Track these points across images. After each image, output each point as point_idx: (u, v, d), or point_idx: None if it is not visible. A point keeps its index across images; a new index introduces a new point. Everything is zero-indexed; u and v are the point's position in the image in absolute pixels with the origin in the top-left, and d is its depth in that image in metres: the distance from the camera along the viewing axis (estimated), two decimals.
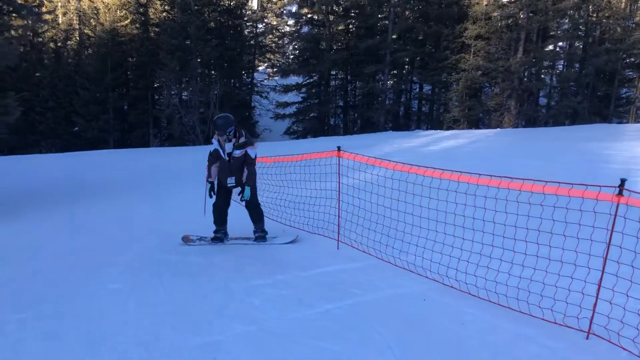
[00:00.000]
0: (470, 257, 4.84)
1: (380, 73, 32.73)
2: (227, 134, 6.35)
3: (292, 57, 41.36)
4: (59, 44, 44.58)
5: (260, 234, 6.80)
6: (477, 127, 29.42)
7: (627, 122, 25.61)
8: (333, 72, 36.81)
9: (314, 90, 36.45)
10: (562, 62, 28.72)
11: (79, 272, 5.69)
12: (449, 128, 29.46)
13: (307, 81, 36.84)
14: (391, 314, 4.19)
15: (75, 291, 5.06)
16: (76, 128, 40.26)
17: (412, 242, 5.50)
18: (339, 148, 5.75)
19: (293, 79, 38.88)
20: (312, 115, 35.70)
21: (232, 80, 37.48)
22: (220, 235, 6.82)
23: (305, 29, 36.26)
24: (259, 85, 39.75)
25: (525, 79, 27.67)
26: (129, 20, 38.51)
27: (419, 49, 30.18)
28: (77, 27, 44.40)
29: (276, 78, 41.16)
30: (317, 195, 7.19)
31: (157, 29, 38.84)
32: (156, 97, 40.63)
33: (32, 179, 17.89)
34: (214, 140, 6.54)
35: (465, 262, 4.84)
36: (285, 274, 5.16)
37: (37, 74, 42.39)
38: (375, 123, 34.01)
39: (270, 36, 41.61)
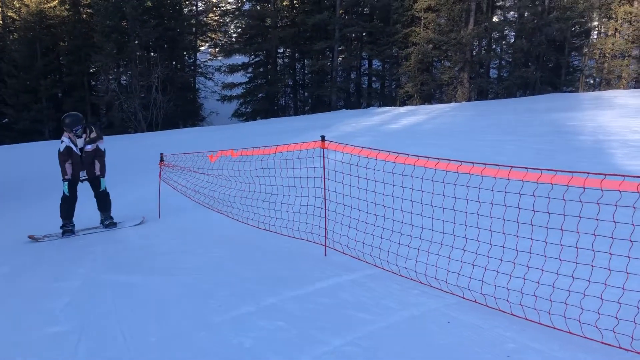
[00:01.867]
0: (489, 264, 4.00)
1: (329, 50, 31.66)
2: (75, 131, 6.72)
3: (234, 35, 39.70)
4: None
5: (111, 221, 7.32)
6: (430, 102, 28.95)
7: (577, 91, 25.68)
8: (280, 50, 35.57)
9: (261, 70, 35.27)
10: (511, 32, 28.45)
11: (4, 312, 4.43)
12: (402, 104, 28.88)
13: (254, 60, 35.46)
14: (417, 347, 3.32)
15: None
16: (5, 119, 37.43)
17: (412, 245, 4.62)
18: (323, 138, 4.77)
19: (238, 59, 37.37)
20: (260, 95, 34.51)
21: (174, 62, 35.55)
22: (71, 227, 7.07)
23: (247, 5, 34.70)
24: (202, 66, 38.02)
25: (476, 51, 27.24)
26: (57, 1, 35.76)
27: (368, 24, 29.28)
28: None
29: (220, 58, 39.48)
30: (296, 194, 6.17)
31: (89, 10, 36.35)
32: (93, 83, 38.24)
33: None
34: (65, 139, 6.80)
35: (486, 270, 4.00)
36: (272, 296, 4.17)
37: None
38: (326, 102, 33.12)
39: (212, 14, 39.65)
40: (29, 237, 6.94)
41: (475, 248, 4.12)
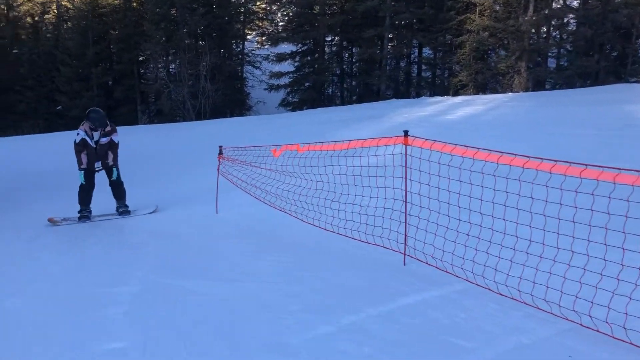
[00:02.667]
0: (601, 282, 3.38)
1: (378, 38, 30.87)
2: (95, 126, 7.25)
3: (281, 23, 39.26)
4: (36, 18, 42.23)
5: (125, 209, 7.76)
6: (484, 92, 27.84)
7: None
8: (328, 38, 34.91)
9: (308, 58, 34.59)
10: (573, 19, 27.00)
11: (59, 324, 4.04)
12: (455, 94, 27.89)
13: (301, 49, 34.93)
14: None
15: None
16: (59, 107, 38.32)
17: (504, 256, 4.04)
18: (406, 133, 4.22)
19: (286, 47, 36.96)
20: (307, 84, 33.89)
21: (222, 51, 35.39)
22: (87, 213, 7.51)
23: None
24: (250, 55, 37.71)
25: (534, 40, 25.94)
26: None
27: (420, 10, 28.30)
28: None
29: (266, 47, 39.12)
30: (371, 194, 5.61)
31: None
32: (142, 71, 38.57)
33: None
34: (80, 131, 7.26)
35: (596, 291, 3.39)
36: (351, 313, 3.68)
37: (14, 51, 40.18)
38: (374, 91, 32.37)
39: (259, 2, 39.24)
40: (49, 220, 7.36)
41: (582, 263, 3.51)
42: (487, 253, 4.09)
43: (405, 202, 4.57)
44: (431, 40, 29.19)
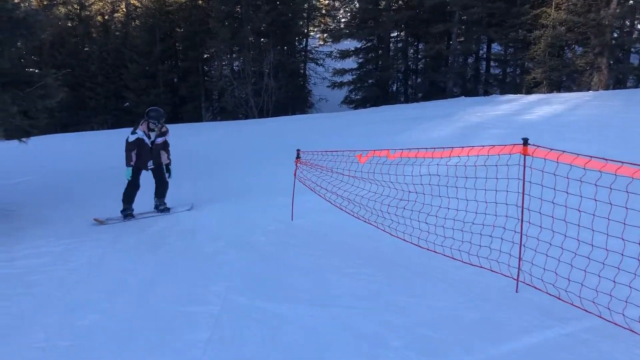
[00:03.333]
0: None
1: (446, 33, 29.88)
2: (154, 124, 7.44)
3: (343, 20, 38.84)
4: (106, 17, 43.56)
5: (165, 207, 8.03)
6: (559, 90, 26.42)
7: None
8: (393, 34, 34.18)
9: (372, 55, 33.94)
10: None
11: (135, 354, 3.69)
12: (528, 91, 26.61)
13: (365, 45, 34.34)
14: None
15: None
16: (127, 103, 39.37)
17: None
18: (526, 142, 3.67)
19: (349, 44, 36.51)
20: (371, 82, 33.24)
21: (285, 48, 35.26)
22: (130, 211, 7.72)
23: None
24: (313, 52, 37.44)
25: (617, 34, 24.31)
26: None
27: (492, 4, 27.11)
28: None
29: (329, 43, 38.75)
30: (474, 209, 5.04)
31: None
32: (206, 69, 39.06)
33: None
34: (139, 131, 7.44)
35: None
36: (466, 354, 3.19)
37: (85, 49, 41.61)
38: (441, 88, 31.39)
39: None
40: (95, 220, 7.52)
41: None
42: (615, 282, 3.50)
43: (522, 220, 4.02)
44: (503, 35, 27.92)
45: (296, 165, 6.82)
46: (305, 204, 7.40)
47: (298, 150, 6.83)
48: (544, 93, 24.84)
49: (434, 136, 14.42)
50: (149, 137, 7.57)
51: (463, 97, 27.43)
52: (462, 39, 31.08)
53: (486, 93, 31.22)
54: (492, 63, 33.30)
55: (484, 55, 32.70)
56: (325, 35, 41.36)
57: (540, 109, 17.46)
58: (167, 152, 7.94)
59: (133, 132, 7.52)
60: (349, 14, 37.15)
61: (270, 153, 14.75)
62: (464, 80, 31.46)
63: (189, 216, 7.92)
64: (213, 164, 13.84)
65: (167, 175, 8.05)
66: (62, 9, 42.08)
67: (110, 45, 40.92)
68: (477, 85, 32.57)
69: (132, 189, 7.69)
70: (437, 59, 31.63)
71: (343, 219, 6.52)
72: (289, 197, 7.19)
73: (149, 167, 7.78)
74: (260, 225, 7.04)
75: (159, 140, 7.73)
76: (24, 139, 8.29)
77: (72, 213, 8.43)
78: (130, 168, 7.56)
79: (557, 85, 26.80)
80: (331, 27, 40.14)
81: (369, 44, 34.66)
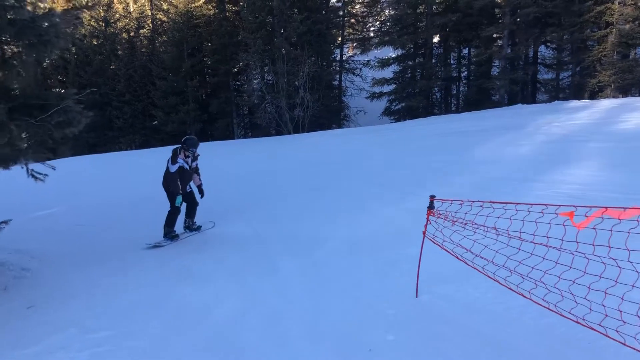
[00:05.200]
0: None
1: (497, 36, 27.72)
2: (192, 152, 8.06)
3: (373, 28, 36.96)
4: (132, 34, 42.50)
5: (197, 224, 8.67)
6: (626, 95, 24.02)
7: None
8: (435, 40, 32.19)
9: (412, 62, 31.97)
10: None
11: None
12: (591, 97, 24.31)
13: (404, 52, 32.39)
14: None
15: None
16: (155, 122, 38.03)
17: None
18: None
19: (385, 52, 34.61)
20: (413, 91, 31.20)
21: (319, 59, 33.50)
22: (175, 233, 8.13)
23: None
24: (349, 62, 35.62)
25: None
26: (203, 0, 35.22)
27: (549, 2, 24.86)
28: (149, 12, 41.98)
29: (366, 53, 36.82)
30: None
31: (234, 7, 35.56)
32: (237, 83, 37.52)
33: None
34: (180, 160, 7.89)
35: None
36: None
37: (111, 67, 40.53)
38: (488, 97, 29.24)
39: (359, 5, 37.12)
40: (155, 244, 7.88)
41: None
42: None
43: None
44: (560, 36, 25.58)
45: (427, 218, 4.74)
46: (434, 270, 5.31)
47: (432, 197, 4.72)
48: (612, 98, 22.52)
49: (522, 152, 12.39)
50: (188, 164, 8.15)
51: (520, 104, 25.22)
52: (510, 42, 28.89)
53: (533, 100, 28.96)
54: (539, 67, 30.92)
55: (538, 60, 30.34)
56: (354, 44, 39.41)
57: (630, 115, 15.26)
58: (199, 174, 8.61)
59: (174, 162, 7.88)
60: (388, 21, 35.10)
61: (332, 178, 12.85)
62: (514, 87, 29.12)
63: (272, 291, 5.78)
64: (261, 197, 11.81)
65: (200, 196, 8.59)
66: (87, 26, 41.15)
67: (137, 62, 39.81)
68: (530, 92, 30.26)
69: (176, 213, 8.10)
70: (485, 64, 29.46)
71: (492, 290, 4.48)
72: (387, 251, 5.20)
73: (188, 190, 8.38)
74: (375, 307, 4.96)
75: (194, 164, 8.40)
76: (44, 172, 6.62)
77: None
78: (180, 195, 8.01)
79: (624, 90, 24.37)
80: (368, 34, 38.25)
81: (409, 51, 32.67)
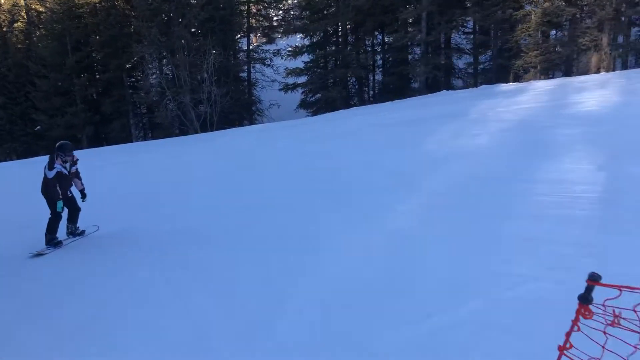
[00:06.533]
0: None
1: (415, 19, 26.16)
2: (67, 157, 7.75)
3: (282, 15, 34.54)
4: (5, 29, 37.04)
5: (80, 230, 8.31)
6: (550, 76, 23.29)
7: None
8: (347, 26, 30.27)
9: (326, 50, 29.84)
10: None
11: None
12: (516, 79, 23.40)
13: (317, 40, 30.19)
14: None
15: None
16: (38, 127, 33.23)
17: None
18: None
19: (287, 41, 32.34)
20: (329, 81, 29.11)
21: (226, 49, 30.49)
22: (58, 239, 7.87)
23: None
24: (258, 51, 32.85)
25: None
26: None
27: None
28: (22, 2, 36.72)
29: (264, 41, 34.20)
30: None
31: None
32: (133, 79, 33.56)
33: None
34: (57, 165, 7.66)
35: None
36: None
37: None
38: (407, 84, 27.80)
39: None
40: (37, 253, 7.64)
41: None
42: None
43: None
44: (484, 16, 24.32)
45: (576, 317, 2.23)
46: None
47: (593, 280, 2.17)
48: (535, 79, 21.61)
49: (483, 143, 10.45)
50: (66, 169, 7.88)
51: (445, 91, 23.80)
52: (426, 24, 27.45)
53: (457, 86, 27.82)
54: (458, 51, 29.86)
55: (456, 44, 29.18)
56: (259, 33, 36.52)
57: (580, 96, 13.89)
58: (79, 178, 8.30)
59: (50, 168, 7.68)
60: (294, 8, 32.70)
61: (269, 191, 10.28)
62: (437, 73, 27.75)
63: None
64: (178, 236, 9.04)
65: (82, 199, 8.28)
66: None
67: (10, 60, 34.58)
68: (450, 76, 29.03)
69: (58, 219, 7.88)
70: (401, 50, 27.86)
71: None
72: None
73: (69, 195, 8.07)
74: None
75: (74, 169, 8.11)
76: None
77: None
78: (61, 200, 7.75)
79: (547, 71, 23.64)
80: (267, 24, 35.61)
81: (320, 39, 30.50)
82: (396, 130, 14.02)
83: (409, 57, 28.15)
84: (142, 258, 6.75)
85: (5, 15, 38.05)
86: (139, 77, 33.41)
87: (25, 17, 37.55)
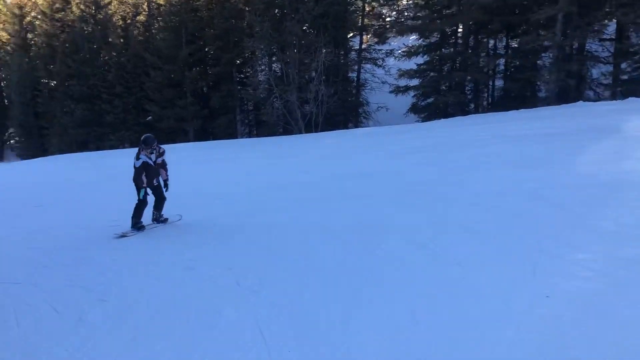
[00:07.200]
0: None
1: (549, 20, 23.30)
2: (153, 147, 8.26)
3: (396, 15, 32.58)
4: (128, 21, 38.36)
5: (165, 217, 8.77)
6: None
7: None
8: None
9: (445, 51, 27.70)
10: None
11: None
12: None
13: (435, 41, 28.09)
14: None
15: None
16: (149, 117, 33.89)
17: None
18: None
19: (397, 43, 30.43)
20: (446, 85, 26.98)
21: (336, 47, 29.22)
22: (142, 224, 8.37)
23: None
24: (371, 50, 31.29)
25: None
26: None
27: None
28: None
29: (390, 41, 32.44)
30: None
31: None
32: (241, 75, 33.29)
33: None
34: (143, 156, 8.18)
35: None
36: None
37: (105, 57, 36.44)
38: (534, 92, 25.03)
39: None
40: (122, 234, 8.13)
41: None
42: None
43: None
44: (633, 19, 21.12)
45: None
46: None
47: None
48: None
49: None
50: (151, 159, 8.28)
51: (581, 102, 20.95)
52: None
53: (597, 97, 24.52)
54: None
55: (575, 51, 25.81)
56: (371, 32, 34.66)
57: None
58: (166, 169, 8.67)
59: (137, 158, 8.16)
60: (410, 7, 30.72)
61: (384, 207, 8.71)
62: (569, 82, 24.63)
63: None
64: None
65: (165, 189, 8.65)
66: (76, 10, 37.01)
67: (130, 51, 35.63)
68: (576, 88, 25.68)
69: (144, 205, 8.32)
70: (530, 55, 25.06)
71: None
72: None
73: (155, 184, 8.47)
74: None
75: (159, 160, 8.49)
76: None
77: None
78: (144, 188, 8.21)
79: None
80: (380, 22, 33.78)
81: (437, 40, 28.35)
82: (528, 144, 11.86)
83: (537, 62, 25.32)
84: (197, 249, 6.84)
85: (129, 9, 39.46)
86: (248, 73, 33.09)
87: (147, 9, 38.66)
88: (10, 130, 46.64)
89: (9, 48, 45.71)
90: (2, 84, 48.17)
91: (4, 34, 48.22)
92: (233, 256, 6.35)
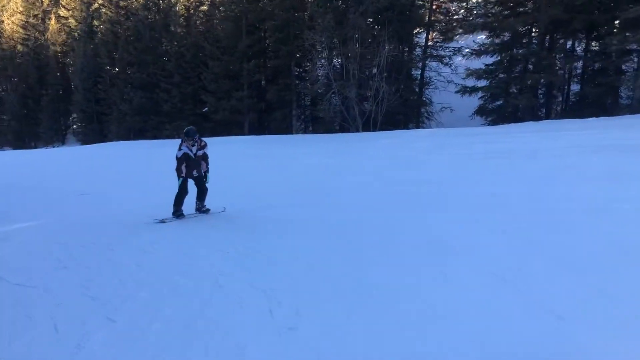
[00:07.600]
0: None
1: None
2: (195, 140, 8.33)
3: (464, 14, 30.72)
4: (191, 11, 38.22)
5: (206, 208, 8.87)
6: None
7: None
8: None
9: (515, 51, 25.73)
10: None
11: None
12: None
13: (508, 39, 26.16)
14: None
15: None
16: (205, 108, 33.42)
17: None
18: None
19: (463, 42, 28.59)
20: (518, 87, 25.06)
21: (400, 43, 27.74)
22: (181, 212, 8.53)
23: None
24: (437, 48, 29.63)
25: None
26: None
27: None
28: None
29: (457, 39, 30.65)
30: None
31: None
32: (299, 69, 32.30)
33: None
34: (184, 147, 8.34)
35: None
36: None
37: (164, 46, 36.42)
38: (616, 99, 22.83)
39: None
40: (161, 220, 8.34)
41: None
42: None
43: None
44: None
45: None
46: None
47: None
48: None
49: None
50: (192, 151, 8.43)
51: None
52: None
53: None
54: None
55: None
56: (439, 28, 32.71)
57: None
58: (207, 162, 8.77)
59: (179, 149, 8.37)
60: (482, 4, 28.81)
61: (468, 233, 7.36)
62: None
63: None
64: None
65: (204, 180, 8.78)
66: None
67: (190, 40, 35.34)
68: None
69: (183, 194, 8.49)
70: (616, 57, 22.82)
71: None
72: None
73: (195, 175, 8.60)
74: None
75: (200, 152, 8.58)
76: None
77: None
78: (182, 178, 8.44)
79: None
80: (447, 18, 31.93)
81: (510, 38, 26.38)
82: (616, 157, 10.14)
83: (623, 66, 23.04)
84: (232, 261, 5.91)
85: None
86: (306, 67, 32.10)
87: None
88: (73, 115, 47.71)
89: (76, 35, 46.74)
90: (69, 70, 49.37)
91: (72, 20, 49.44)
92: (268, 275, 5.18)
